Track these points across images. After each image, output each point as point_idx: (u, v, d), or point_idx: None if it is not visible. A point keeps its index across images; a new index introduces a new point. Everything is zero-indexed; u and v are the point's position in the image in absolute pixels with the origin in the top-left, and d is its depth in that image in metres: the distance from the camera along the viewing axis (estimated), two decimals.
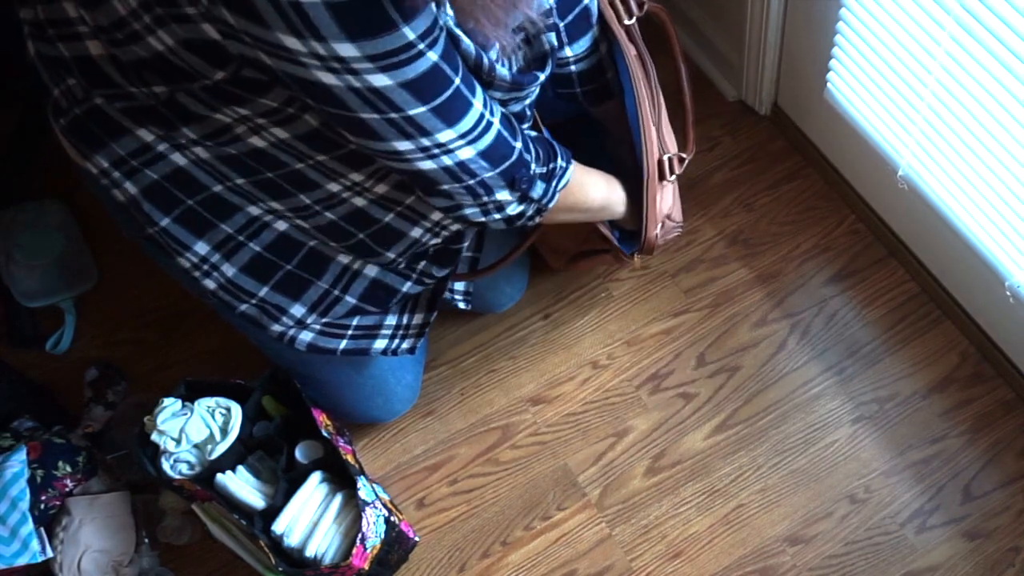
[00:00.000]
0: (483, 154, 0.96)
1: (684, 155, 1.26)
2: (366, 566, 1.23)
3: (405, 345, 1.33)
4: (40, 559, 1.29)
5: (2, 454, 1.33)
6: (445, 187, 0.98)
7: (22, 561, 1.28)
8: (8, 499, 1.29)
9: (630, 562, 1.37)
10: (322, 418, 1.31)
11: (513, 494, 1.43)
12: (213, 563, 1.40)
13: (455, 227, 1.18)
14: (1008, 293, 1.30)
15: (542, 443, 1.46)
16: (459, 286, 1.39)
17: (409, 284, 1.25)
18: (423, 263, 1.24)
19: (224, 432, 1.23)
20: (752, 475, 1.41)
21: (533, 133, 1.08)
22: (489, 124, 0.96)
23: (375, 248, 1.15)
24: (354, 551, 1.18)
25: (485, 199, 1.02)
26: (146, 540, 1.37)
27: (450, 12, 0.90)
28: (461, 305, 1.40)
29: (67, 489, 1.33)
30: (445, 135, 0.92)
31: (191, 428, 1.22)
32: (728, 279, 1.56)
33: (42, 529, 1.30)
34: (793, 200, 1.62)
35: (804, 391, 1.46)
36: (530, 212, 1.08)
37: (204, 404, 1.25)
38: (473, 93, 0.93)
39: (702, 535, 1.37)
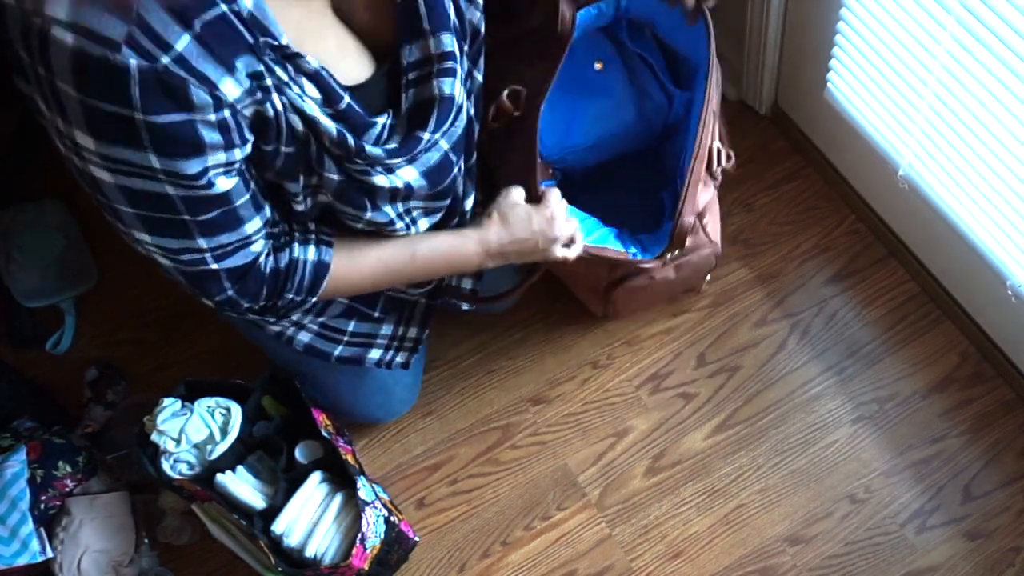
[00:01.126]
0: (181, 272, 0.94)
1: (731, 153, 1.28)
2: (366, 566, 1.23)
3: (399, 359, 1.34)
4: (40, 559, 1.29)
5: (2, 454, 1.33)
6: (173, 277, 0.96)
7: (22, 561, 1.28)
8: (8, 499, 1.29)
9: (630, 562, 1.37)
10: (322, 418, 1.31)
11: (513, 494, 1.43)
12: (213, 563, 1.40)
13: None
14: (1009, 293, 1.30)
15: (542, 443, 1.46)
16: (465, 283, 1.38)
17: (390, 291, 1.26)
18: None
19: (224, 432, 1.23)
20: (752, 475, 1.41)
21: (283, 263, 1.01)
22: (203, 262, 0.93)
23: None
24: (354, 551, 1.18)
25: (203, 299, 0.99)
26: (146, 540, 1.37)
27: (312, 94, 0.88)
28: (464, 306, 1.40)
29: (67, 489, 1.33)
30: (142, 236, 0.90)
31: (191, 428, 1.22)
32: (728, 279, 1.56)
33: (42, 529, 1.30)
34: (793, 200, 1.62)
35: (804, 391, 1.46)
36: (261, 313, 1.05)
37: (204, 404, 1.25)
38: (204, 234, 0.90)
39: (702, 535, 1.37)
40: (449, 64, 0.99)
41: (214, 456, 1.22)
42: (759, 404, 1.46)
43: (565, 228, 1.18)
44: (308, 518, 1.22)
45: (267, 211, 0.96)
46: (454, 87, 1.00)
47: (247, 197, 0.92)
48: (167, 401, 1.25)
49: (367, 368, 1.35)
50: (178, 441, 1.22)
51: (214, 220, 0.90)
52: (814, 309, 1.52)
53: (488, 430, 1.48)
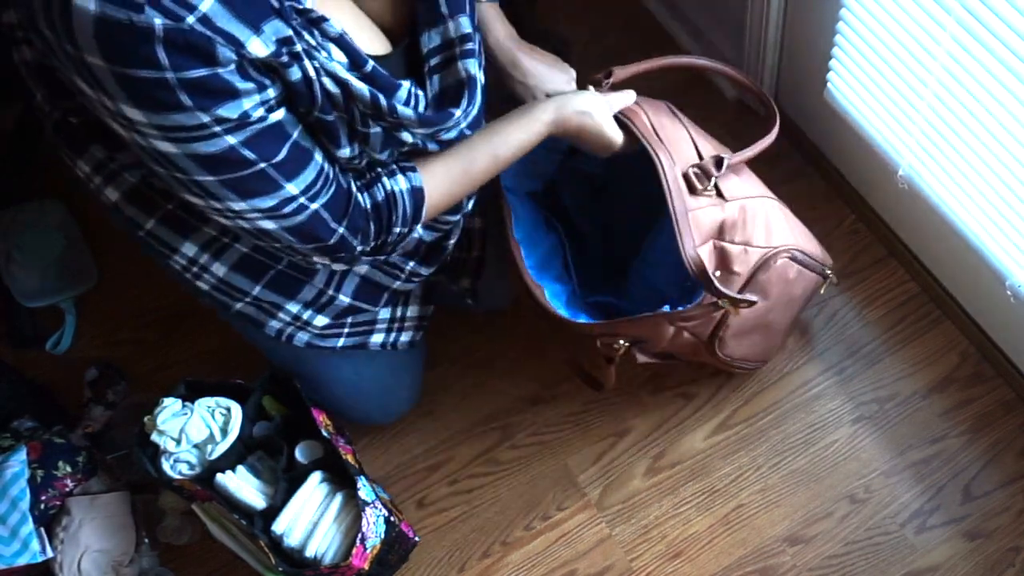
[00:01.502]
0: (288, 229, 0.94)
1: (723, 156, 1.21)
2: (366, 566, 1.23)
3: (404, 338, 1.33)
4: (40, 559, 1.29)
5: (2, 454, 1.33)
6: (254, 242, 0.97)
7: (22, 561, 1.28)
8: (8, 499, 1.29)
9: (630, 562, 1.37)
10: (322, 418, 1.31)
11: (513, 494, 1.43)
12: (213, 563, 1.40)
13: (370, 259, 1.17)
14: (1008, 293, 1.30)
15: (542, 443, 1.46)
16: (464, 282, 1.38)
17: (399, 283, 1.25)
18: (412, 264, 1.24)
19: (224, 432, 1.23)
20: (752, 475, 1.41)
21: (380, 196, 1.02)
22: (302, 208, 0.93)
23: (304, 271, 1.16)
24: (354, 551, 1.18)
25: (302, 255, 1.00)
26: (146, 540, 1.37)
27: (338, 58, 0.88)
28: (469, 301, 1.40)
29: (67, 489, 1.33)
30: (238, 205, 0.89)
31: (191, 428, 1.22)
32: None
33: (42, 529, 1.30)
34: (793, 200, 1.61)
35: (804, 391, 1.46)
36: (374, 253, 1.06)
37: (204, 404, 1.25)
38: (289, 177, 0.90)
39: (702, 535, 1.37)
40: (469, 45, 1.00)
41: (214, 456, 1.22)
42: (759, 404, 1.46)
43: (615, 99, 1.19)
44: (308, 518, 1.22)
45: (320, 141, 0.95)
46: (476, 67, 1.01)
47: (301, 128, 0.91)
48: (167, 401, 1.25)
49: (367, 366, 1.35)
50: (178, 441, 1.22)
51: (288, 158, 0.89)
52: (814, 309, 1.52)
53: (488, 430, 1.48)
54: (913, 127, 1.30)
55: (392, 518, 1.28)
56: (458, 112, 1.01)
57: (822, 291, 1.40)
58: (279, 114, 0.88)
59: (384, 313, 1.32)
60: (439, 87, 1.02)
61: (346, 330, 1.28)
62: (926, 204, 1.38)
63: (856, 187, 1.57)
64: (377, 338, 1.31)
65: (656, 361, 1.32)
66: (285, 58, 0.84)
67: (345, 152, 0.96)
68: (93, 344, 1.59)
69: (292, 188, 0.91)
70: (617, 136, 1.18)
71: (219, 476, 1.22)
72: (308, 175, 0.92)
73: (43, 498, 1.31)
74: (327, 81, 0.88)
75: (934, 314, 1.50)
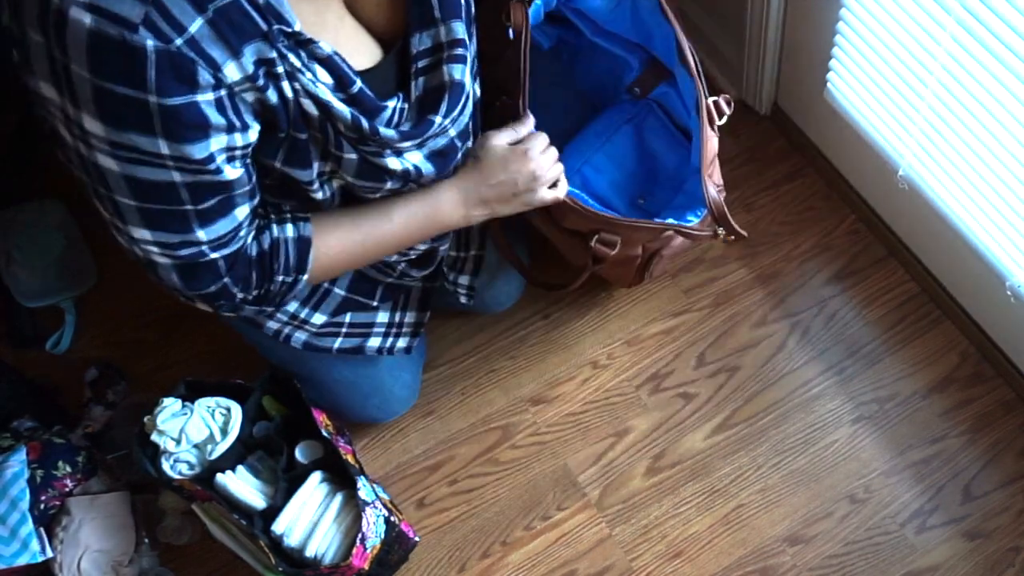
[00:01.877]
0: (178, 268, 0.93)
1: (729, 96, 1.24)
2: (366, 566, 1.23)
3: (401, 344, 1.34)
4: (40, 559, 1.29)
5: (2, 454, 1.33)
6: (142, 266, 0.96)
7: (22, 561, 1.28)
8: (8, 499, 1.29)
9: (630, 562, 1.37)
10: (322, 418, 1.31)
11: (513, 494, 1.43)
12: (213, 563, 1.40)
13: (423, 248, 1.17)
14: (1008, 293, 1.30)
15: (542, 443, 1.46)
16: (463, 280, 1.39)
17: (391, 279, 1.25)
18: (403, 264, 1.24)
19: (224, 432, 1.23)
20: (752, 475, 1.41)
21: (266, 244, 1.00)
22: (201, 254, 0.92)
23: None
24: (354, 551, 1.18)
25: (185, 299, 0.99)
26: (146, 540, 1.37)
27: (324, 79, 0.89)
28: (463, 300, 1.40)
29: (67, 489, 1.33)
30: (140, 233, 0.89)
31: (191, 428, 1.22)
32: (728, 279, 1.56)
33: (42, 529, 1.30)
34: (793, 200, 1.62)
35: (804, 391, 1.46)
36: (257, 303, 1.04)
37: (204, 404, 1.25)
38: (203, 225, 0.90)
39: (702, 535, 1.37)
40: (459, 51, 1.00)
41: (214, 456, 1.22)
42: (759, 404, 1.46)
43: (544, 162, 1.13)
44: (308, 518, 1.22)
45: (257, 199, 0.96)
46: (464, 73, 1.00)
47: (248, 187, 0.92)
48: (167, 401, 1.25)
49: (366, 366, 1.35)
50: (178, 441, 1.22)
51: (212, 208, 0.89)
52: (814, 309, 1.52)
53: (488, 430, 1.48)
54: (913, 127, 1.30)
55: (392, 518, 1.28)
56: (438, 119, 1.00)
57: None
58: (235, 172, 0.88)
59: (382, 317, 1.32)
60: (422, 90, 1.01)
61: (343, 330, 1.29)
62: (926, 204, 1.38)
63: (856, 187, 1.57)
64: (374, 342, 1.31)
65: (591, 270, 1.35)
66: (261, 80, 0.84)
67: (311, 173, 0.96)
68: (93, 344, 1.59)
69: (202, 235, 0.91)
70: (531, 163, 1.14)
71: (219, 476, 1.22)
72: (221, 228, 0.92)
73: (43, 498, 1.31)
74: (306, 102, 0.89)
75: (934, 314, 1.50)
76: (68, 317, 1.60)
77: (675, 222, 1.26)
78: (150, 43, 0.75)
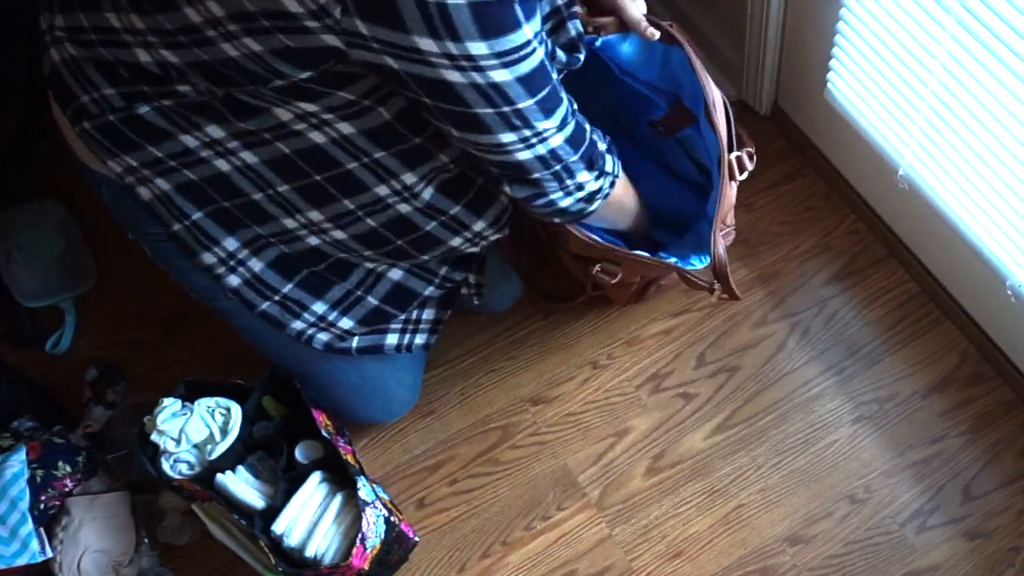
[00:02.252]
0: (569, 140, 1.03)
1: (751, 149, 1.27)
2: (366, 566, 1.23)
3: (419, 340, 1.34)
4: (40, 559, 1.29)
5: (2, 454, 1.33)
6: (535, 175, 1.05)
7: (22, 561, 1.28)
8: (8, 499, 1.29)
9: (630, 562, 1.37)
10: (322, 418, 1.31)
11: (513, 494, 1.43)
12: (213, 563, 1.40)
13: (495, 237, 1.21)
14: (1008, 293, 1.30)
15: (542, 443, 1.46)
16: (472, 279, 1.39)
17: (431, 288, 1.26)
18: (445, 268, 1.25)
19: (224, 432, 1.23)
20: (752, 475, 1.41)
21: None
22: (572, 112, 1.04)
23: (411, 252, 1.17)
24: (354, 551, 1.18)
25: (568, 182, 1.08)
26: (146, 540, 1.37)
27: None
28: (476, 302, 1.40)
29: (67, 489, 1.33)
30: (544, 124, 0.98)
31: (191, 428, 1.22)
32: None
33: (42, 529, 1.30)
34: (793, 200, 1.62)
35: (804, 391, 1.46)
36: (606, 187, 1.14)
37: (204, 404, 1.25)
38: (562, 88, 1.01)
39: (702, 535, 1.37)
40: (575, 8, 1.12)
41: (214, 456, 1.22)
42: (759, 404, 1.46)
43: None
44: (308, 518, 1.22)
45: None
46: (580, 25, 1.13)
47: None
48: (167, 401, 1.25)
49: (369, 368, 1.35)
50: (178, 441, 1.22)
51: (557, 78, 0.99)
52: (814, 309, 1.52)
53: (488, 430, 1.48)
54: (913, 127, 1.30)
55: (392, 518, 1.28)
56: (583, 57, 1.11)
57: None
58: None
59: (400, 314, 1.32)
60: (552, 48, 1.08)
61: (362, 330, 1.28)
62: (926, 204, 1.38)
63: (856, 187, 1.57)
64: (392, 339, 1.31)
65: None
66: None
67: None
68: (93, 344, 1.59)
69: (565, 96, 1.02)
70: None
71: (219, 476, 1.22)
72: (563, 91, 1.02)
73: (43, 498, 1.31)
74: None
75: (934, 314, 1.50)
76: (68, 317, 1.60)
77: (678, 263, 1.28)
78: None
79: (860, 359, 1.48)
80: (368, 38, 0.85)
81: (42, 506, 1.30)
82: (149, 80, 1.01)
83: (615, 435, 1.46)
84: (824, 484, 1.39)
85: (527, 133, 0.98)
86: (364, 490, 1.23)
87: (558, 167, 1.05)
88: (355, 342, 1.28)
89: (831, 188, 1.62)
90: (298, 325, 1.23)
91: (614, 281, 1.31)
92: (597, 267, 1.30)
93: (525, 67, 0.91)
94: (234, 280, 1.17)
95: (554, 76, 0.98)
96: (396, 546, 1.31)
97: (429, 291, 1.27)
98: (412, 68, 0.88)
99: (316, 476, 1.25)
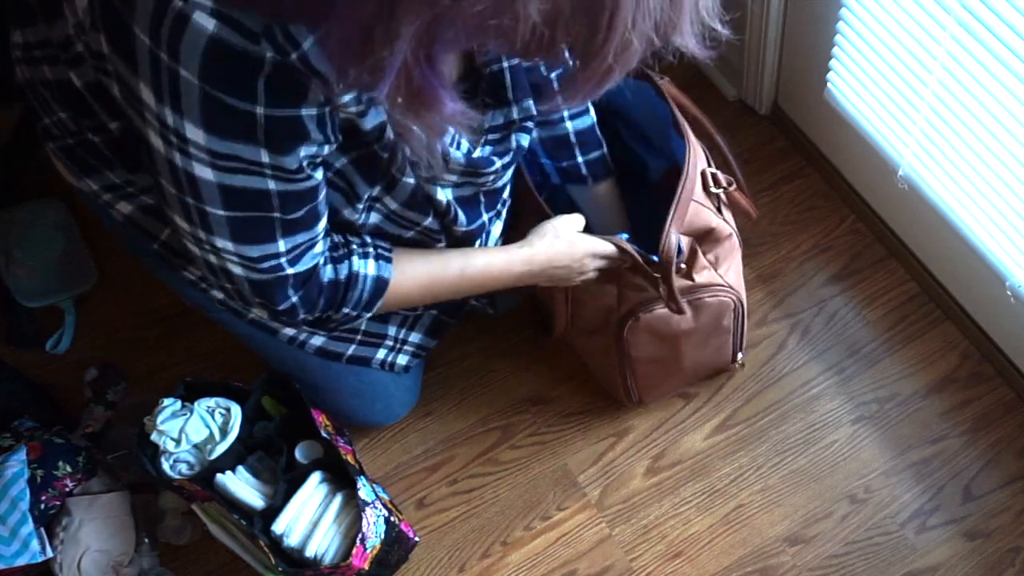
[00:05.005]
0: (252, 282, 0.94)
1: (732, 179, 1.26)
2: (366, 566, 1.23)
3: (401, 360, 1.34)
4: (40, 559, 1.29)
5: (2, 454, 1.33)
6: (204, 273, 0.97)
7: (22, 561, 1.28)
8: (8, 499, 1.29)
9: (630, 562, 1.37)
10: (322, 418, 1.31)
11: (513, 494, 1.43)
12: (213, 563, 1.40)
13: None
14: (1008, 293, 1.30)
15: (542, 443, 1.46)
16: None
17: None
18: (434, 311, 1.30)
19: (224, 432, 1.23)
20: (752, 475, 1.41)
21: (343, 273, 1.01)
22: (278, 268, 0.94)
23: None
24: (354, 551, 1.18)
25: (244, 303, 1.00)
26: (146, 540, 1.37)
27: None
28: (490, 311, 1.41)
29: (67, 489, 1.33)
30: (223, 243, 0.90)
31: (191, 428, 1.22)
32: None
33: (42, 529, 1.30)
34: (793, 200, 1.62)
35: (804, 391, 1.46)
36: (315, 325, 1.06)
37: (204, 404, 1.25)
38: (285, 234, 0.91)
39: (702, 535, 1.37)
40: (529, 124, 1.06)
41: (214, 456, 1.22)
42: (759, 404, 1.46)
43: (594, 263, 1.21)
44: (308, 518, 1.22)
45: (325, 213, 0.97)
46: (527, 140, 1.08)
47: (324, 191, 0.93)
48: (167, 401, 1.25)
49: (371, 375, 1.35)
50: (178, 441, 1.22)
51: (299, 218, 0.91)
52: (814, 309, 1.52)
53: (488, 430, 1.48)
54: (913, 127, 1.30)
55: (392, 518, 1.28)
56: (499, 163, 1.05)
57: (729, 369, 1.46)
58: (319, 175, 0.90)
59: (391, 330, 1.32)
60: (488, 153, 1.06)
61: (358, 337, 1.29)
62: (926, 204, 1.38)
63: (856, 187, 1.57)
64: (380, 354, 1.32)
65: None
66: (363, 105, 0.86)
67: (366, 190, 0.98)
68: (93, 344, 1.59)
69: (281, 246, 0.92)
70: (591, 247, 1.19)
71: (219, 476, 1.22)
72: (300, 238, 0.93)
73: (43, 498, 1.31)
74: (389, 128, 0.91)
75: (934, 314, 1.50)
76: (68, 317, 1.60)
77: (637, 250, 1.20)
78: (268, 55, 0.75)
79: (860, 359, 1.48)
80: (108, 58, 0.81)
81: (42, 506, 1.30)
82: (86, 109, 1.00)
83: (615, 435, 1.46)
84: (824, 484, 1.39)
85: (201, 236, 0.89)
86: (364, 490, 1.23)
87: (228, 286, 0.97)
88: (350, 349, 1.28)
89: (831, 188, 1.62)
90: (289, 330, 1.23)
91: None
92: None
93: (239, 181, 0.83)
94: (219, 293, 1.17)
95: (274, 214, 0.87)
96: (396, 546, 1.31)
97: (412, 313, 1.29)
98: (130, 110, 0.83)
99: (316, 476, 1.25)
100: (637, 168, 1.40)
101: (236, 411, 1.25)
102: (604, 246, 1.20)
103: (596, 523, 1.40)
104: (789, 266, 1.56)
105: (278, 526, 1.20)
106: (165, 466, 1.22)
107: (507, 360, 1.53)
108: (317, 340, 1.26)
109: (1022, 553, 1.32)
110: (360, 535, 1.19)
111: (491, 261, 1.14)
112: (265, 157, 0.82)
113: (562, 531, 1.39)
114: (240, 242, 0.90)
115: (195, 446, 1.23)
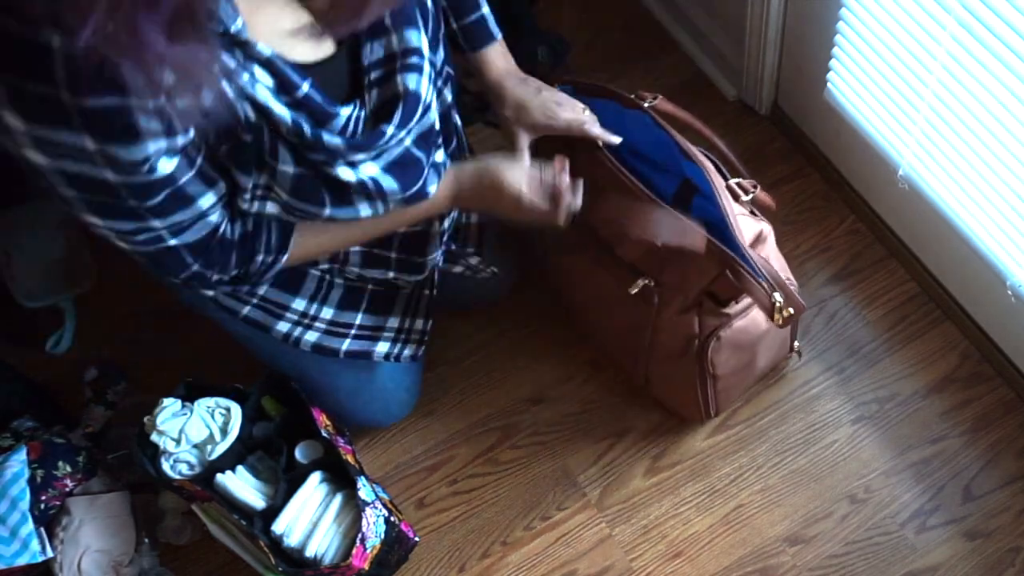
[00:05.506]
0: (141, 255, 0.91)
1: (754, 182, 1.23)
2: (366, 566, 1.23)
3: (407, 351, 1.34)
4: (40, 559, 1.29)
5: (2, 454, 1.33)
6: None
7: (22, 561, 1.28)
8: (8, 499, 1.29)
9: (630, 562, 1.37)
10: (322, 418, 1.31)
11: (513, 494, 1.43)
12: (213, 563, 1.40)
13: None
14: (1009, 293, 1.30)
15: (542, 443, 1.46)
16: (474, 261, 1.38)
17: (390, 271, 1.24)
18: (391, 274, 1.24)
19: (224, 432, 1.23)
20: (752, 475, 1.41)
21: (250, 224, 0.97)
22: (159, 239, 0.89)
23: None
24: (354, 551, 1.18)
25: (158, 276, 0.97)
26: (146, 540, 1.38)
27: (264, 81, 0.84)
28: (492, 269, 1.39)
29: (67, 489, 1.33)
30: (94, 220, 0.86)
31: (191, 428, 1.22)
32: None
33: (42, 529, 1.30)
34: (793, 200, 1.62)
35: (804, 391, 1.46)
36: (234, 282, 1.01)
37: (204, 404, 1.25)
38: (158, 216, 0.87)
39: (702, 535, 1.37)
40: (414, 60, 0.96)
41: (214, 456, 1.22)
42: (759, 404, 1.46)
43: (536, 197, 1.11)
44: (308, 518, 1.22)
45: (221, 185, 0.91)
46: (419, 83, 0.97)
47: (191, 174, 0.87)
48: (167, 401, 1.25)
49: (370, 372, 1.35)
50: (178, 441, 1.22)
51: (163, 203, 0.86)
52: (814, 309, 1.52)
53: (488, 430, 1.48)
54: (913, 127, 1.30)
55: (392, 518, 1.28)
56: (390, 128, 0.96)
57: (787, 359, 1.46)
58: (170, 164, 0.84)
59: (393, 322, 1.32)
60: (376, 101, 0.97)
61: (353, 332, 1.28)
62: (926, 204, 1.38)
63: (856, 187, 1.57)
64: (382, 347, 1.31)
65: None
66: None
67: (248, 181, 0.93)
68: (93, 344, 1.59)
69: (157, 224, 0.88)
70: (531, 202, 1.12)
71: (219, 476, 1.22)
72: (179, 217, 0.89)
73: (43, 498, 1.31)
74: (245, 105, 0.85)
75: (934, 314, 1.50)
76: (68, 317, 1.60)
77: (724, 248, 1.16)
78: (56, 40, 0.70)
79: (860, 359, 1.48)
80: None
81: (42, 506, 1.30)
82: None
83: (615, 435, 1.46)
84: (824, 484, 1.39)
85: (75, 211, 0.86)
86: (364, 490, 1.23)
87: (141, 255, 0.92)
88: (345, 344, 1.28)
89: (831, 188, 1.62)
90: (283, 326, 1.23)
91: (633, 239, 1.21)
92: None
93: (72, 166, 0.79)
94: (210, 291, 1.16)
95: (123, 199, 0.83)
96: (396, 546, 1.31)
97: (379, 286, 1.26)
98: None
99: (316, 476, 1.25)
100: (653, 191, 1.40)
101: (236, 411, 1.25)
102: (531, 179, 1.11)
103: (596, 523, 1.40)
104: (789, 266, 1.56)
105: (278, 526, 1.20)
106: (165, 466, 1.22)
107: (507, 360, 1.53)
108: (312, 336, 1.25)
109: (1022, 553, 1.32)
110: (360, 535, 1.19)
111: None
112: (91, 145, 0.77)
113: (562, 531, 1.39)
114: (108, 219, 0.86)
115: (195, 446, 1.23)
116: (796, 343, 1.44)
